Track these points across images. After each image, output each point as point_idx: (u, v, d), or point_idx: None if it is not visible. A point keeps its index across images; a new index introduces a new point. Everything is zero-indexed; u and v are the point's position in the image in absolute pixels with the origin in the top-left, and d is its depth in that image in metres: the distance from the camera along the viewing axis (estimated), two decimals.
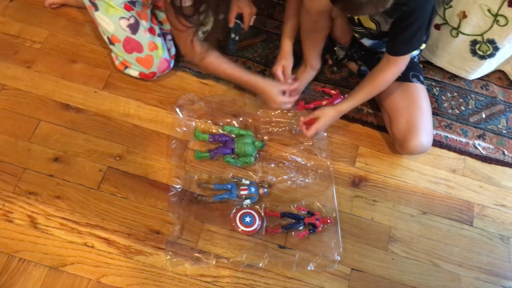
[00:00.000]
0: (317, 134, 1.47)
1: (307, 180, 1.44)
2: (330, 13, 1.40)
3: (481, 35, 1.48)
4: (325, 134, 1.52)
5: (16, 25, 1.62)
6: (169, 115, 1.50)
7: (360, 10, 1.10)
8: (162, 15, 1.55)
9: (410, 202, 1.46)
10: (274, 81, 1.47)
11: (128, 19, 1.44)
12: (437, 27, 1.55)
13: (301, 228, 1.36)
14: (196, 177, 1.41)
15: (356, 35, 1.48)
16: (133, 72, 1.52)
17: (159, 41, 1.49)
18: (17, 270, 1.24)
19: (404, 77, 1.43)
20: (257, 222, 1.34)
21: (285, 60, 1.50)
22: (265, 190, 1.39)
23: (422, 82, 1.47)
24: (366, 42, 1.47)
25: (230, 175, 1.42)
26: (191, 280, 1.27)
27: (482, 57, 1.55)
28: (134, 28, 1.45)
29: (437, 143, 1.55)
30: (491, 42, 1.48)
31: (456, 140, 1.57)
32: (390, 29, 1.30)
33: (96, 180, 1.38)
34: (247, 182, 1.40)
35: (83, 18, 1.64)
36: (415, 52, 1.49)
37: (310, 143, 1.50)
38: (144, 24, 1.46)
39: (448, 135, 1.58)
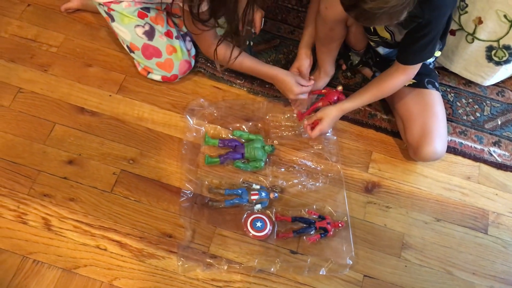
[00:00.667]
0: (322, 134, 1.47)
1: (317, 184, 1.44)
2: (346, 22, 1.40)
3: (497, 41, 1.46)
4: (335, 138, 1.51)
5: (33, 29, 1.64)
6: (183, 119, 1.51)
7: (374, 20, 1.09)
8: (176, 20, 1.56)
9: (424, 209, 1.44)
10: (288, 71, 1.48)
11: (143, 26, 1.46)
12: (453, 32, 1.53)
13: (312, 232, 1.35)
14: (206, 182, 1.41)
15: (372, 43, 1.47)
16: (156, 76, 1.53)
17: (177, 43, 1.50)
18: (31, 272, 1.26)
19: (419, 84, 1.43)
20: (268, 227, 1.34)
21: (300, 63, 1.52)
22: (276, 194, 1.39)
23: (437, 89, 1.45)
24: (382, 50, 1.47)
25: (241, 180, 1.42)
26: (203, 284, 1.28)
27: (498, 63, 1.53)
28: (150, 34, 1.46)
29: (452, 149, 1.54)
30: (507, 48, 1.46)
31: (471, 146, 1.55)
32: (403, 38, 1.29)
33: (110, 183, 1.39)
34: (258, 187, 1.40)
35: (99, 23, 1.66)
36: (431, 59, 1.49)
37: (320, 147, 1.49)
38: (160, 29, 1.48)
39: (463, 142, 1.56)
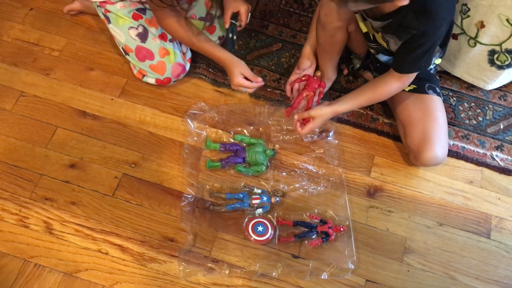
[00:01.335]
0: (310, 132, 1.46)
1: (319, 188, 1.44)
2: (346, 28, 1.40)
3: (499, 45, 1.46)
4: (337, 142, 1.51)
5: (35, 33, 1.65)
6: (184, 123, 1.51)
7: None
8: None
9: (426, 213, 1.44)
10: (240, 62, 1.48)
11: (136, 28, 1.46)
12: (455, 36, 1.53)
13: (314, 236, 1.35)
14: (208, 186, 1.41)
15: (372, 50, 1.47)
16: (150, 79, 1.53)
17: (170, 46, 1.50)
18: (32, 275, 1.26)
19: (419, 89, 1.42)
20: (270, 231, 1.34)
21: (300, 61, 1.54)
22: (277, 199, 1.39)
23: (438, 94, 1.45)
24: (382, 57, 1.46)
25: (242, 184, 1.42)
26: None
27: (500, 67, 1.53)
28: (143, 36, 1.47)
29: (454, 153, 1.53)
30: (510, 52, 1.46)
31: (473, 151, 1.55)
32: (399, 48, 1.29)
33: (112, 186, 1.39)
34: (259, 191, 1.40)
35: (100, 26, 1.66)
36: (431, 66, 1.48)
37: (322, 151, 1.49)
38: (154, 31, 1.48)
39: (465, 146, 1.56)
